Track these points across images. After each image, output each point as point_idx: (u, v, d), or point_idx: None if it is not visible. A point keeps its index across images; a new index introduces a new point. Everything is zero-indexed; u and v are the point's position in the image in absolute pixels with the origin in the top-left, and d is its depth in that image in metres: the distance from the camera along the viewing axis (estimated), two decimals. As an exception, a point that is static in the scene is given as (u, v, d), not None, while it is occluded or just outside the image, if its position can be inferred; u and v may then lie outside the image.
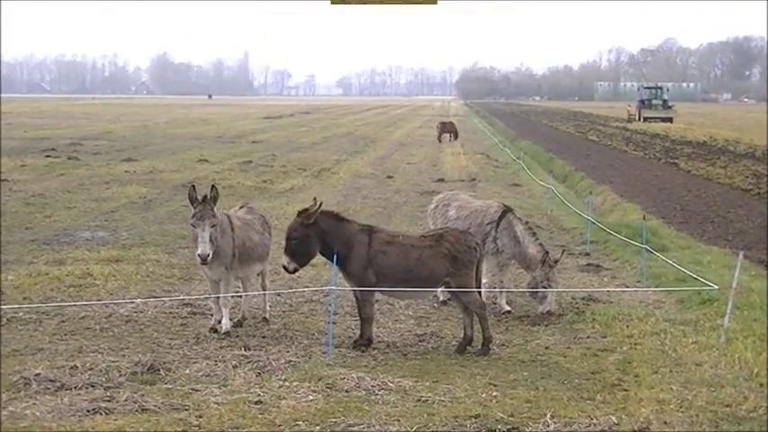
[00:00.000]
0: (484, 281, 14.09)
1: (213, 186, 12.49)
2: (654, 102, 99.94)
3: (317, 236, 12.03)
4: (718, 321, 12.74)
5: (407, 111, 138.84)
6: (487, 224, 14.61)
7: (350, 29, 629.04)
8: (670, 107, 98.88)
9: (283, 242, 12.27)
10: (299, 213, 12.12)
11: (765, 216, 24.84)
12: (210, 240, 12.09)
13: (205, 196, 12.21)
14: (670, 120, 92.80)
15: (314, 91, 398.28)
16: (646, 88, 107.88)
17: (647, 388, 10.25)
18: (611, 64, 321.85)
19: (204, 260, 12.09)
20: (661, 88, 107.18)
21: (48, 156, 40.57)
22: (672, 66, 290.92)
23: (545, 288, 14.26)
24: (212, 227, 12.12)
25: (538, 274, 14.26)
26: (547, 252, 14.51)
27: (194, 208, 12.18)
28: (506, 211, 14.77)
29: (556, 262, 14.57)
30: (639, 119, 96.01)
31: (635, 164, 43.53)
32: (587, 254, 19.18)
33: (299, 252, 12.11)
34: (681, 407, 9.58)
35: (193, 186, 12.62)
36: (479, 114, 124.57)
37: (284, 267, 12.28)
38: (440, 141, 57.42)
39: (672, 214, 25.79)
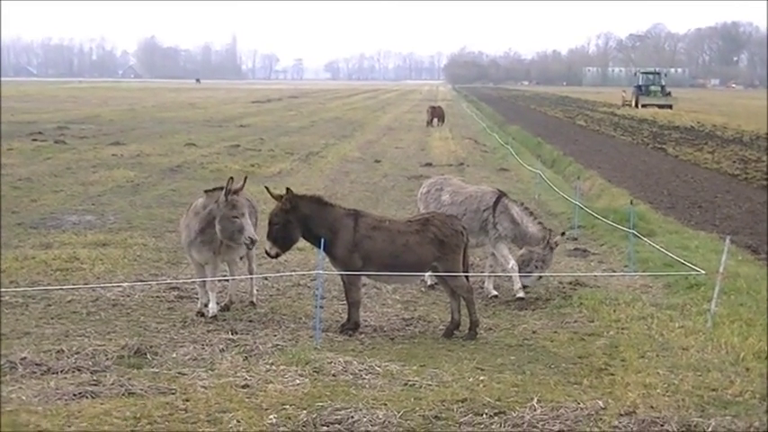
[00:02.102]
0: (511, 263, 14.15)
1: (245, 178, 12.67)
2: (652, 88, 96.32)
3: (298, 221, 12.01)
4: (704, 306, 12.77)
5: (396, 95, 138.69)
6: (484, 210, 14.59)
7: (338, 13, 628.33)
8: (669, 93, 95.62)
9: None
10: (276, 198, 12.12)
11: (752, 201, 24.88)
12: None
13: (238, 186, 12.28)
14: (669, 107, 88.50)
15: (302, 75, 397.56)
16: (643, 73, 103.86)
17: (633, 372, 10.26)
18: (600, 49, 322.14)
19: (254, 243, 12.36)
20: (659, 73, 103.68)
21: (35, 139, 40.39)
22: (660, 51, 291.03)
23: (536, 267, 14.34)
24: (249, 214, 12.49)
25: (535, 251, 14.33)
26: (550, 231, 14.61)
27: (226, 198, 12.17)
28: (501, 195, 14.77)
29: (557, 244, 14.65)
30: (636, 105, 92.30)
31: (623, 149, 43.56)
32: (575, 238, 19.19)
33: (280, 237, 12.10)
34: (667, 391, 9.61)
35: (231, 178, 12.56)
36: (467, 99, 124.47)
37: (266, 252, 12.27)
38: (432, 125, 57.31)
39: (659, 199, 25.81)
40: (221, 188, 12.29)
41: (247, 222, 12.21)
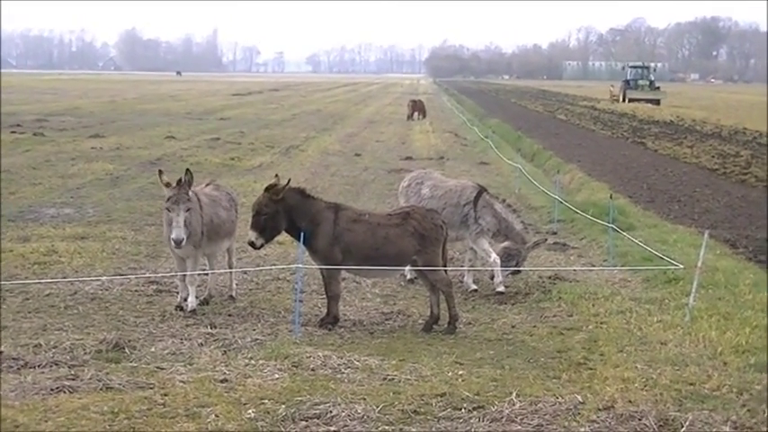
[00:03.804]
0: (492, 257, 14.18)
1: (188, 170, 12.43)
2: (640, 82, 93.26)
3: (284, 212, 12.01)
4: (683, 300, 12.81)
5: (377, 88, 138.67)
6: (464, 205, 14.61)
7: (319, 6, 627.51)
8: (657, 88, 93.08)
9: (250, 218, 12.23)
10: (267, 189, 12.09)
11: (731, 196, 24.97)
12: (185, 224, 12.05)
13: (180, 180, 12.16)
14: (657, 102, 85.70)
15: (283, 68, 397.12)
16: (631, 67, 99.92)
17: (612, 366, 10.29)
18: (580, 43, 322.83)
19: (179, 245, 12.06)
20: (648, 67, 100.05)
21: (13, 132, 40.15)
22: (640, 45, 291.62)
23: (518, 264, 14.37)
24: (187, 211, 12.10)
25: (518, 247, 14.39)
26: (526, 227, 14.78)
27: (168, 191, 12.12)
28: (482, 190, 14.80)
29: (537, 244, 14.75)
30: (624, 100, 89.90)
31: (603, 143, 43.62)
32: (554, 232, 19.21)
33: (267, 227, 12.08)
34: (645, 385, 9.64)
35: (160, 171, 12.61)
36: (448, 92, 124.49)
37: (251, 243, 12.21)
38: (412, 119, 57.32)
39: (639, 193, 25.86)
40: (180, 180, 12.21)
41: (178, 221, 12.09)
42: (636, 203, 23.45)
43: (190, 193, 12.27)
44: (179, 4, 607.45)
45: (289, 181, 12.17)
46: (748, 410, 8.93)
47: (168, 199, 12.11)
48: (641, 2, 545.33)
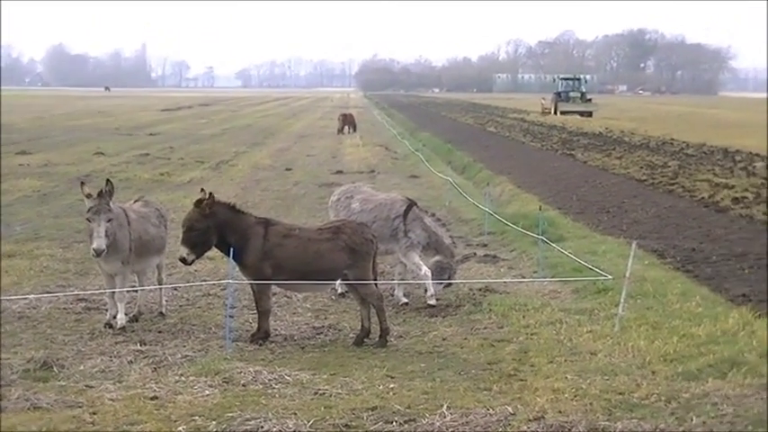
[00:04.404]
0: (423, 270, 14.21)
1: (108, 180, 12.39)
2: (572, 94, 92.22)
3: (214, 227, 11.97)
4: (612, 310, 12.91)
5: (308, 103, 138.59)
6: (395, 218, 14.64)
7: (249, 20, 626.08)
8: (589, 100, 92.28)
9: (181, 234, 12.17)
10: (196, 204, 12.04)
11: (659, 206, 25.21)
12: (106, 235, 11.98)
13: (101, 191, 12.09)
14: (590, 114, 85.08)
15: (213, 83, 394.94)
16: (562, 79, 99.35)
17: (542, 377, 10.35)
18: (510, 56, 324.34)
19: (99, 254, 11.98)
20: (579, 79, 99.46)
21: (-62, 149, 39.70)
22: (569, 58, 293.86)
23: (449, 277, 14.42)
24: (108, 221, 12.02)
25: (448, 261, 14.45)
26: (454, 241, 14.89)
27: (89, 202, 12.06)
28: (412, 204, 14.84)
29: (467, 258, 14.87)
30: (556, 112, 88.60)
31: (533, 155, 43.85)
32: (485, 245, 19.30)
33: (198, 243, 12.04)
34: (576, 395, 9.70)
35: (82, 182, 12.54)
36: (379, 106, 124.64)
37: (183, 259, 12.15)
38: (343, 133, 57.36)
39: (569, 205, 26.02)
40: (101, 191, 12.14)
41: (98, 231, 12.00)
42: (566, 215, 23.59)
43: (114, 206, 12.22)
44: (107, 18, 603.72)
45: (211, 194, 12.12)
46: (676, 418, 9.02)
47: (89, 210, 12.06)
48: (570, 15, 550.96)
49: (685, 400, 9.52)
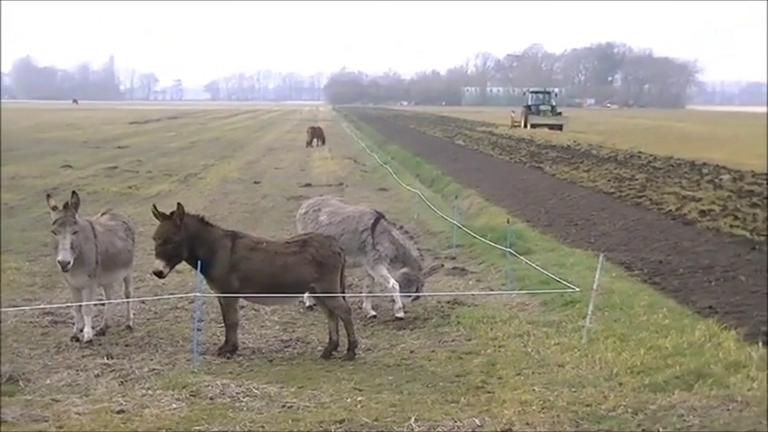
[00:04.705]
0: (391, 283, 14.22)
1: (74, 192, 12.36)
2: (542, 107, 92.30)
3: (186, 239, 11.94)
4: (580, 323, 12.95)
5: (276, 115, 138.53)
6: (362, 231, 14.65)
7: (218, 33, 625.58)
8: (560, 113, 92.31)
9: (150, 248, 12.14)
10: (166, 217, 11.98)
11: (626, 218, 25.31)
12: (72, 247, 11.94)
13: (66, 203, 12.06)
14: (560, 127, 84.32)
15: (181, 96, 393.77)
16: (532, 92, 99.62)
17: (510, 390, 10.37)
18: (478, 69, 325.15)
19: (65, 267, 11.93)
20: (549, 93, 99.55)
21: None
22: (537, 71, 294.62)
23: (417, 289, 14.45)
24: (74, 233, 11.98)
25: (416, 274, 14.48)
26: (421, 254, 15.00)
27: (55, 215, 12.03)
28: (380, 217, 14.87)
29: (434, 270, 14.90)
30: (526, 125, 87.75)
31: (501, 168, 43.92)
32: (453, 257, 19.33)
33: (174, 256, 12.00)
34: (543, 407, 9.72)
35: (48, 195, 12.50)
36: (348, 119, 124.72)
37: (158, 273, 12.07)
38: (312, 146, 57.39)
39: (537, 217, 26.09)
40: (67, 203, 12.12)
41: (64, 243, 11.96)
42: (534, 227, 23.66)
43: (80, 218, 12.20)
44: (75, 31, 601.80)
45: (179, 204, 12.10)
46: (643, 430, 9.07)
47: (54, 222, 12.03)
48: (538, 28, 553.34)
49: (652, 412, 9.56)
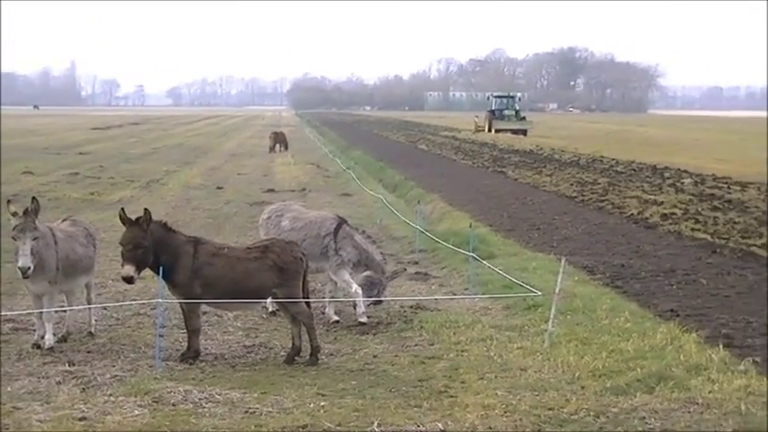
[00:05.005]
0: (354, 288, 14.21)
1: (34, 198, 12.31)
2: (506, 112, 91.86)
3: (153, 244, 11.89)
4: (542, 326, 12.99)
5: (239, 121, 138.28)
6: (325, 236, 14.64)
7: (180, 38, 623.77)
8: (524, 118, 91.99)
9: (112, 254, 12.09)
10: (133, 222, 11.90)
11: (589, 222, 25.43)
12: (32, 253, 11.88)
13: (26, 209, 11.99)
14: (524, 132, 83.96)
15: (143, 101, 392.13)
16: (496, 97, 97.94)
17: (473, 394, 10.39)
18: (441, 74, 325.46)
19: (25, 273, 11.86)
20: (513, 97, 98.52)
21: None
22: (500, 76, 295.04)
23: (379, 293, 14.45)
24: (34, 239, 11.92)
25: (379, 277, 14.49)
26: (385, 258, 14.95)
27: (15, 221, 11.96)
28: (342, 222, 14.87)
29: (397, 273, 14.93)
30: (490, 130, 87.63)
31: (464, 172, 44.05)
32: (416, 262, 19.35)
33: (143, 260, 11.92)
34: (506, 411, 9.75)
35: (9, 201, 12.43)
36: (311, 124, 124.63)
37: (128, 278, 11.95)
38: (275, 151, 57.34)
39: (500, 222, 26.15)
40: (27, 209, 12.05)
41: (24, 249, 11.90)
42: (497, 232, 23.72)
43: (41, 225, 12.15)
44: (36, 36, 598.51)
45: (146, 210, 12.05)
46: (605, 433, 9.11)
47: (14, 228, 11.97)
48: (500, 33, 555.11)
49: (614, 415, 9.61)
